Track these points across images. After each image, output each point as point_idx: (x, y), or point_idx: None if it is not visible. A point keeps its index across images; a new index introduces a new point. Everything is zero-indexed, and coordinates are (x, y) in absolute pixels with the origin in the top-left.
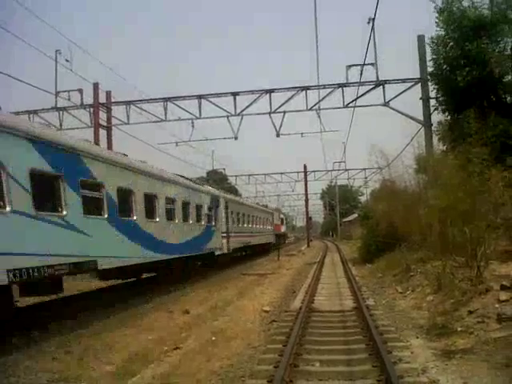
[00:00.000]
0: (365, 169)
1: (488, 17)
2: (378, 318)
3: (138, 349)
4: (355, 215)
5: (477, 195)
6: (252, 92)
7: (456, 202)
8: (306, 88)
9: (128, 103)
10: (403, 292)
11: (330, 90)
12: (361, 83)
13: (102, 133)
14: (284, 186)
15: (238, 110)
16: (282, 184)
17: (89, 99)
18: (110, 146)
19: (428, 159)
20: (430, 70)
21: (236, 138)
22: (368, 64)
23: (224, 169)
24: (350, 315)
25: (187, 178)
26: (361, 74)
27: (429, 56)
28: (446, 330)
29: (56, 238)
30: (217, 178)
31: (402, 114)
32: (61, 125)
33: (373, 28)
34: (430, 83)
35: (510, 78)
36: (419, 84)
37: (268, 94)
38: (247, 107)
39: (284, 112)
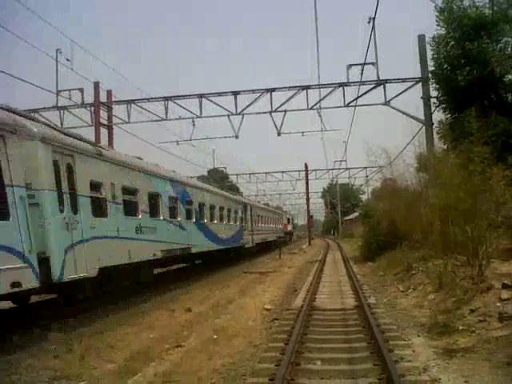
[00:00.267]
0: (366, 167)
1: (489, 16)
2: (380, 316)
3: (139, 347)
4: (356, 214)
5: (478, 194)
6: (253, 91)
7: (457, 200)
8: (307, 87)
9: (129, 102)
10: (405, 290)
11: (330, 89)
12: (361, 82)
13: (103, 131)
14: (285, 185)
15: (239, 109)
16: (283, 182)
17: (90, 98)
18: (110, 145)
19: (429, 158)
20: (430, 69)
21: (237, 137)
22: (369, 63)
23: (225, 167)
24: (352, 313)
25: (226, 190)
26: (361, 73)
27: (429, 55)
28: (448, 329)
29: (177, 233)
30: (218, 177)
31: (403, 113)
32: (61, 124)
33: (373, 27)
34: (430, 82)
35: (510, 77)
36: (420, 83)
37: (269, 93)
38: (248, 106)
39: (285, 111)
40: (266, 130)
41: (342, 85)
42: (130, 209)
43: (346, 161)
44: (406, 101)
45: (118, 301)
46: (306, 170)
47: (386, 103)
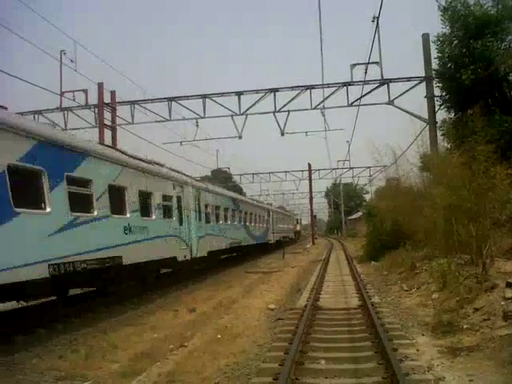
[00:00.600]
0: (369, 167)
1: (493, 14)
2: (384, 315)
3: (143, 347)
4: (360, 213)
5: (482, 193)
6: (256, 91)
7: (461, 199)
8: (311, 87)
9: (132, 103)
10: (408, 290)
11: (334, 88)
12: (365, 82)
13: (107, 132)
14: (288, 185)
15: (243, 110)
16: (287, 182)
17: (93, 100)
18: (114, 146)
19: (433, 157)
20: (434, 68)
21: (240, 138)
22: (372, 63)
23: (228, 168)
24: (356, 313)
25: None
26: (365, 72)
27: (434, 54)
28: (452, 328)
29: (235, 233)
30: (221, 177)
31: (407, 112)
32: (65, 125)
33: (377, 26)
34: (434, 81)
35: None
36: (424, 82)
37: (272, 93)
38: (251, 106)
39: (288, 111)
40: (269, 130)
41: (345, 84)
42: (218, 217)
43: (349, 160)
44: (410, 100)
45: (121, 301)
46: (310, 170)
47: (390, 102)
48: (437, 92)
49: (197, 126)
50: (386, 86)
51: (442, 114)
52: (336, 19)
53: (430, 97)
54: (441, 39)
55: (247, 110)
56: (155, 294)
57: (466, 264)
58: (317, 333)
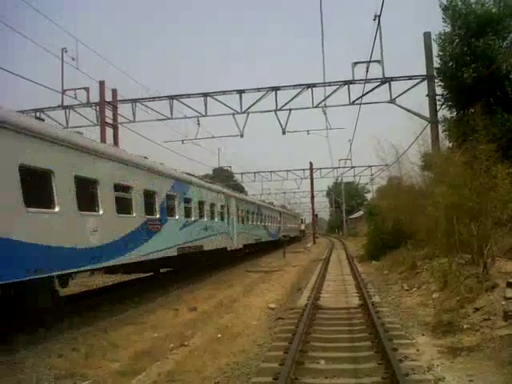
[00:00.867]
0: (371, 166)
1: (495, 12)
2: (384, 315)
3: (143, 346)
4: (361, 212)
5: (483, 192)
6: (258, 90)
7: (462, 199)
8: (312, 85)
9: (134, 101)
10: (409, 289)
11: (336, 87)
12: (367, 80)
13: (108, 130)
14: (290, 184)
15: (244, 108)
16: (288, 181)
17: (95, 97)
18: (116, 144)
19: (434, 156)
20: (436, 66)
21: (242, 136)
22: (374, 61)
23: (230, 166)
24: (356, 312)
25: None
26: (367, 71)
27: (435, 53)
28: (452, 328)
29: (258, 231)
30: (223, 176)
31: (408, 111)
32: (67, 123)
33: (379, 25)
34: (436, 80)
35: None
36: (425, 81)
37: (274, 92)
38: (253, 105)
39: (290, 109)
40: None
41: (347, 83)
42: (248, 220)
43: (351, 159)
44: (412, 98)
45: (121, 300)
46: (311, 169)
47: (392, 101)
48: (438, 90)
49: (198, 124)
50: (387, 84)
51: (443, 113)
52: (338, 17)
53: (432, 95)
54: (442, 37)
55: (249, 108)
56: (156, 293)
57: (467, 263)
58: (317, 332)
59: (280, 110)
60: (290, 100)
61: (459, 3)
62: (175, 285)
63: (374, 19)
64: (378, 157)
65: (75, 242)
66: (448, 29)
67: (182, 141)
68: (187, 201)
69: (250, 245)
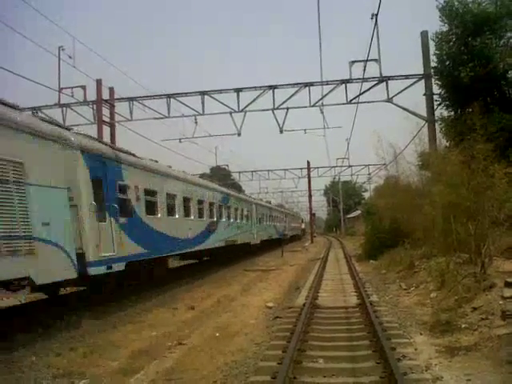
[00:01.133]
0: (368, 165)
1: (492, 11)
2: (382, 314)
3: (141, 345)
4: (359, 211)
5: (481, 191)
6: (255, 88)
7: (460, 198)
8: (310, 84)
9: (131, 99)
10: (407, 288)
11: (333, 86)
12: (364, 79)
13: (105, 129)
14: (287, 183)
15: (241, 107)
16: (286, 180)
17: (92, 96)
18: (113, 143)
19: (431, 155)
20: (433, 65)
21: (239, 135)
22: (371, 60)
23: (227, 165)
24: (354, 311)
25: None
26: (364, 70)
27: (432, 52)
28: (450, 327)
29: (270, 230)
30: (220, 175)
31: (406, 110)
32: (64, 121)
33: (376, 24)
34: (433, 79)
35: None
36: (423, 80)
37: (271, 90)
38: (250, 103)
39: (287, 108)
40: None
41: (344, 81)
42: (263, 220)
43: (348, 158)
44: (409, 98)
45: (120, 299)
46: (308, 168)
47: (389, 100)
48: (435, 90)
49: (195, 122)
50: (384, 83)
51: (440, 112)
52: (335, 17)
53: (429, 94)
54: (439, 37)
55: (246, 106)
56: (154, 292)
57: (465, 263)
58: (315, 331)
59: (277, 108)
60: (288, 99)
61: (456, 2)
62: (174, 284)
63: (372, 18)
64: (377, 155)
65: (184, 234)
66: (445, 28)
67: (180, 139)
68: (228, 208)
69: (265, 240)
